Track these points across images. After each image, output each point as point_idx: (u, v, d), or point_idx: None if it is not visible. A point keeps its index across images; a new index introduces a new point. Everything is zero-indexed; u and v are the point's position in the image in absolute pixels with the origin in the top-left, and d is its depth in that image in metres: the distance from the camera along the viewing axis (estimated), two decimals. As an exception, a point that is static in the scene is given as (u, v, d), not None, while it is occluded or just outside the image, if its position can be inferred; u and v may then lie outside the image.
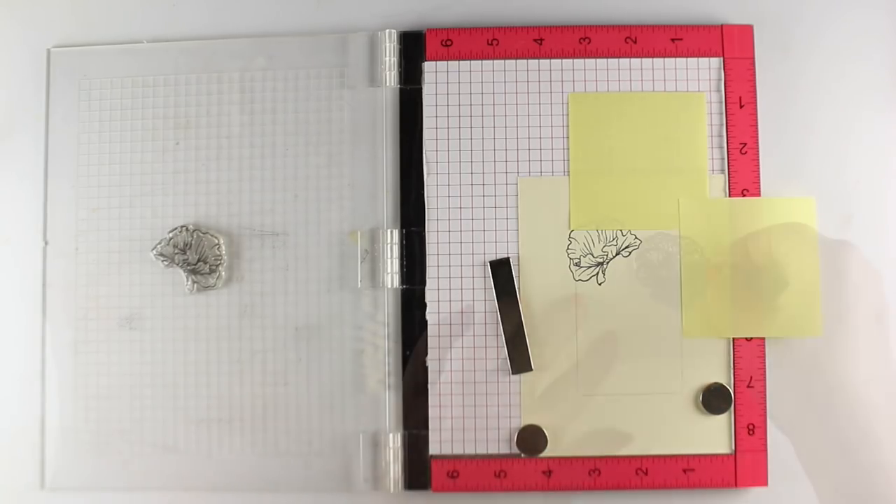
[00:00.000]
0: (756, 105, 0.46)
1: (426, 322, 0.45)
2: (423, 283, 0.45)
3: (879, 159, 0.46)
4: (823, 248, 0.45)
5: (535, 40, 0.46)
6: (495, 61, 0.46)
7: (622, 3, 0.47)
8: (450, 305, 0.45)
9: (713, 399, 0.44)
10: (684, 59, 0.46)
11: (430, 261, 0.45)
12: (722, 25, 0.46)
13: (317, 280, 0.46)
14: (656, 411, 0.44)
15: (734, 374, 0.44)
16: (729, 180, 0.45)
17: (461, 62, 0.46)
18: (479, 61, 0.46)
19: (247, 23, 0.48)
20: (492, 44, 0.46)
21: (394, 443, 0.44)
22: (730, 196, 0.45)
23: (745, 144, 0.46)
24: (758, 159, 0.46)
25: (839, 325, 0.45)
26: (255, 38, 0.47)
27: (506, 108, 0.46)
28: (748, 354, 0.44)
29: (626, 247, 0.45)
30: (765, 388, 0.44)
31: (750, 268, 0.44)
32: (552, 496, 0.44)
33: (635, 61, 0.46)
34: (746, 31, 0.46)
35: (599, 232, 0.45)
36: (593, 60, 0.46)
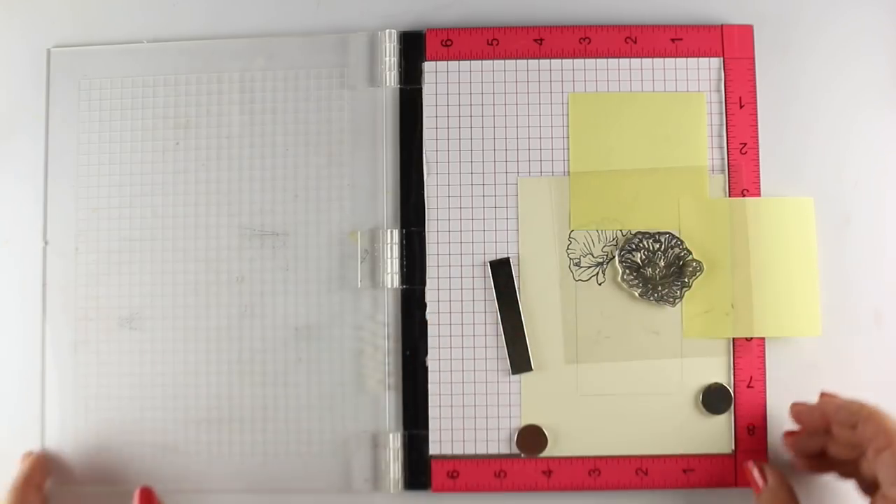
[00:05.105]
0: (756, 105, 0.46)
1: (426, 322, 0.45)
2: (423, 283, 0.45)
3: (879, 159, 0.46)
4: (822, 248, 0.45)
5: (535, 40, 0.46)
6: (495, 61, 0.46)
7: (622, 3, 0.47)
8: (450, 305, 0.45)
9: (713, 399, 0.44)
10: (684, 59, 0.46)
11: (430, 261, 0.45)
12: (722, 25, 0.46)
13: (317, 280, 0.46)
14: (656, 411, 0.44)
15: (734, 374, 0.44)
16: (729, 180, 0.45)
17: (461, 62, 0.46)
18: (479, 61, 0.46)
19: (247, 23, 0.48)
20: (492, 44, 0.46)
21: (394, 443, 0.44)
22: (730, 196, 0.45)
23: (745, 144, 0.46)
24: (758, 159, 0.46)
25: (838, 325, 0.45)
26: (255, 38, 0.47)
27: (506, 108, 0.46)
28: (748, 354, 0.44)
29: (626, 247, 0.45)
30: (765, 388, 0.44)
31: (750, 268, 0.44)
32: (552, 496, 0.44)
33: (635, 61, 0.46)
34: (746, 31, 0.46)
35: (599, 232, 0.45)
36: (593, 60, 0.46)
